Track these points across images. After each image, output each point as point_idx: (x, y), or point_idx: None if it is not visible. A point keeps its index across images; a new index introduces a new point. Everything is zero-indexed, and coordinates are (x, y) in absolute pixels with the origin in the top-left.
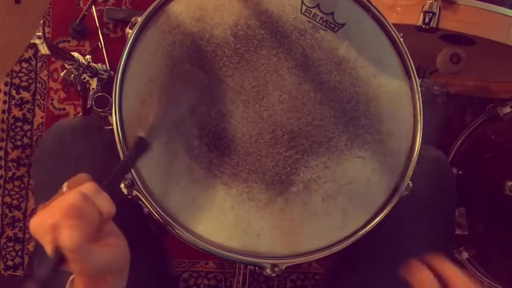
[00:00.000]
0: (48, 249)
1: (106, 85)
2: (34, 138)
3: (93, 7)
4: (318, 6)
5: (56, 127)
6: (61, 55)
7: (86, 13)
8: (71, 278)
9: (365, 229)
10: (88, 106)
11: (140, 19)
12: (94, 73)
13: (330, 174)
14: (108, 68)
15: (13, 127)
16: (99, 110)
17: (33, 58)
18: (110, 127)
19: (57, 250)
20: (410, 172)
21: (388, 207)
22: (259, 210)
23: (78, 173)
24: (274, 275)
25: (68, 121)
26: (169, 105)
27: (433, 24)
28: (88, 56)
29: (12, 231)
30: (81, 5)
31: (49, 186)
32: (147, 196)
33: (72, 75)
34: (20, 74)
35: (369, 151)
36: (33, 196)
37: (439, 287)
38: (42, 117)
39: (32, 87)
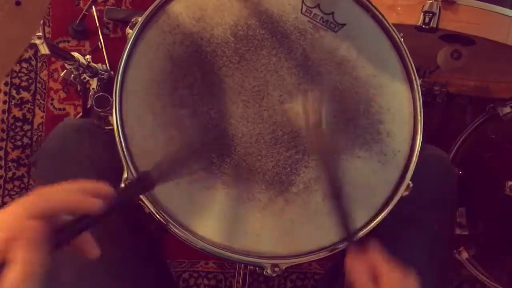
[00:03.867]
0: None
1: (106, 85)
2: (34, 138)
3: (93, 7)
4: (318, 6)
5: (61, 127)
6: (61, 55)
7: (86, 13)
8: None
9: (365, 229)
10: (88, 106)
11: (140, 19)
12: (94, 73)
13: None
14: (108, 68)
15: (13, 127)
16: (99, 110)
17: (33, 58)
18: (110, 127)
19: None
20: (410, 172)
21: (388, 207)
22: (259, 210)
23: (81, 174)
24: (274, 275)
25: (73, 121)
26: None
27: (433, 24)
28: (88, 56)
29: None
30: (81, 5)
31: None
32: (147, 196)
33: (72, 75)
34: (20, 74)
35: (369, 151)
36: None
37: (369, 275)
38: (42, 117)
39: (32, 87)
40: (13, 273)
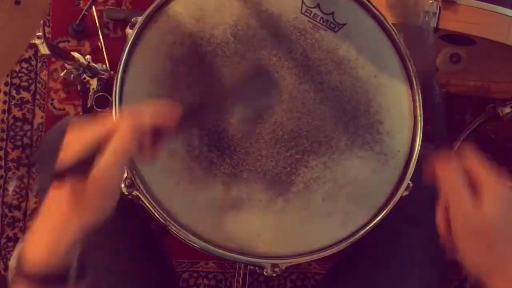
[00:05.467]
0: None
1: (106, 85)
2: (34, 138)
3: (93, 7)
4: (318, 6)
5: (62, 123)
6: (61, 55)
7: (86, 13)
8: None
9: (365, 229)
10: (88, 106)
11: (140, 19)
12: (94, 73)
13: (330, 174)
14: (108, 68)
15: (13, 127)
16: (99, 110)
17: (33, 58)
18: None
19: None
20: (410, 172)
21: (388, 207)
22: (260, 210)
23: None
24: (274, 275)
25: (73, 118)
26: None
27: (433, 24)
28: (88, 56)
29: (12, 231)
30: (81, 5)
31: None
32: (147, 196)
33: (72, 75)
34: (20, 74)
35: (369, 151)
36: (35, 191)
37: (465, 184)
38: (42, 117)
39: (32, 87)
40: (104, 157)
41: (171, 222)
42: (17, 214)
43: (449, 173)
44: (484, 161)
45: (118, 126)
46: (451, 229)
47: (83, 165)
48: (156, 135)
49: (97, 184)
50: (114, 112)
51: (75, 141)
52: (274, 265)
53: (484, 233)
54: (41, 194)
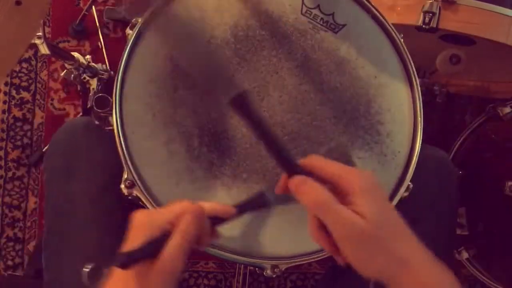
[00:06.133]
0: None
1: (106, 85)
2: (34, 138)
3: (93, 7)
4: (318, 7)
5: (69, 124)
6: (61, 55)
7: (86, 13)
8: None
9: None
10: (88, 106)
11: (140, 20)
12: (94, 73)
13: None
14: (108, 68)
15: (13, 127)
16: (99, 110)
17: (33, 58)
18: (110, 128)
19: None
20: (410, 173)
21: None
22: (260, 210)
23: (90, 170)
24: (274, 275)
25: (80, 119)
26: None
27: (433, 24)
28: (88, 56)
29: (12, 231)
30: (81, 5)
31: (61, 180)
32: (147, 196)
33: (72, 75)
34: (20, 74)
35: (369, 151)
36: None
37: (328, 192)
38: (42, 117)
39: (32, 87)
40: (174, 240)
41: None
42: (17, 214)
43: (308, 192)
44: (335, 162)
45: (183, 214)
46: (336, 247)
47: (151, 250)
48: (214, 222)
49: (164, 268)
50: (114, 112)
51: (142, 227)
52: (274, 266)
53: (373, 236)
54: (49, 191)
